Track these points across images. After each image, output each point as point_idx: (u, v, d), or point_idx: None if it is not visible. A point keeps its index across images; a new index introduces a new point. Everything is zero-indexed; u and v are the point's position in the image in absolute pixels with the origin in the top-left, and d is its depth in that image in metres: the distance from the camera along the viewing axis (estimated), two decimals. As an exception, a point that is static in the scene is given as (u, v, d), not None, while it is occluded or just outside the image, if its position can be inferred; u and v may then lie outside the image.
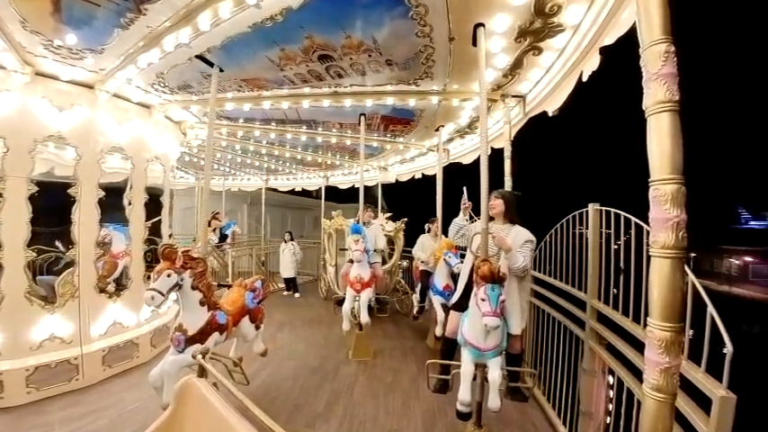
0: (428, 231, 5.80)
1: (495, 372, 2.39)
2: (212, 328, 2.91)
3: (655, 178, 1.41)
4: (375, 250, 5.11)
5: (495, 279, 2.26)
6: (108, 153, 4.12)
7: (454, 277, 4.53)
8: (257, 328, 3.61)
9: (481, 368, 2.50)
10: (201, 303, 2.88)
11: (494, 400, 2.37)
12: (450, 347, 2.92)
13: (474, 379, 2.49)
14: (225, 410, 1.75)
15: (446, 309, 4.68)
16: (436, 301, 4.76)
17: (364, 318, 4.40)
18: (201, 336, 2.82)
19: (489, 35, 2.89)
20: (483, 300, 2.25)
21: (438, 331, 4.69)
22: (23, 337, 3.45)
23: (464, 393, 2.41)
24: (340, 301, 4.88)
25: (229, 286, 3.76)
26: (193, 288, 2.83)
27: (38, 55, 3.22)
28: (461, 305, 2.73)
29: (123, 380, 3.92)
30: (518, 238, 2.67)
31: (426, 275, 5.23)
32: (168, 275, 2.64)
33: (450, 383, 2.81)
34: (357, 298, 4.50)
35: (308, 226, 15.54)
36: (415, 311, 5.64)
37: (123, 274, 4.39)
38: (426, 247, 5.57)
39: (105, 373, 3.93)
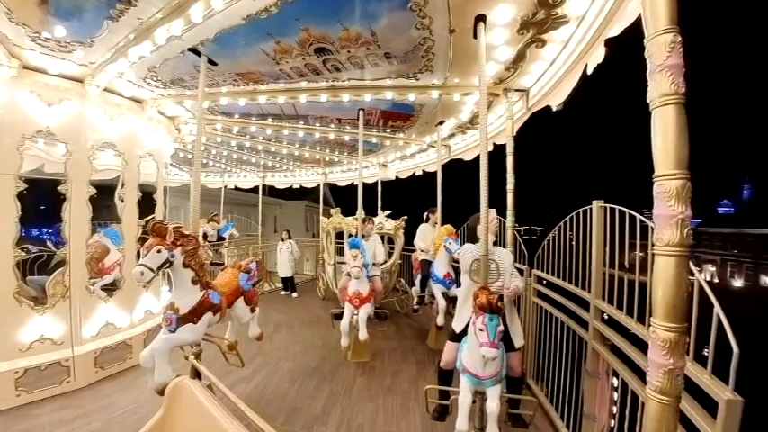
0: (427, 221, 5.83)
1: (494, 401, 2.40)
2: (205, 307, 2.87)
3: (659, 174, 1.40)
4: (374, 264, 5.10)
5: (494, 309, 2.27)
6: (99, 149, 4.11)
7: (455, 265, 4.55)
8: (252, 310, 3.59)
9: (480, 395, 2.51)
10: (194, 282, 2.83)
11: (492, 430, 2.37)
12: (446, 377, 2.93)
13: (474, 402, 2.50)
14: (218, 413, 1.75)
15: (447, 297, 4.71)
16: (437, 289, 4.79)
17: (363, 334, 4.39)
18: (194, 315, 2.78)
19: (491, 27, 2.87)
20: (481, 330, 2.27)
21: (440, 321, 4.75)
22: (12, 339, 3.45)
23: (461, 423, 2.41)
24: (338, 315, 4.87)
25: (222, 264, 3.74)
26: (185, 266, 2.78)
27: (25, 48, 3.20)
28: (460, 337, 2.74)
29: (116, 382, 3.93)
30: (508, 260, 2.91)
31: (426, 264, 5.25)
32: (158, 251, 2.59)
33: (450, 408, 2.82)
34: (355, 313, 4.49)
35: (253, 223, 15.34)
36: (414, 303, 5.67)
37: (116, 280, 4.37)
38: (427, 236, 5.59)
39: (97, 375, 3.94)
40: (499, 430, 2.38)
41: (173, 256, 2.69)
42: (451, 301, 4.69)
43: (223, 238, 9.39)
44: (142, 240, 4.65)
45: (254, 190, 12.98)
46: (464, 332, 2.68)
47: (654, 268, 1.45)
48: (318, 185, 10.96)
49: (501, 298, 2.42)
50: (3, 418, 3.15)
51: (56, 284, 3.76)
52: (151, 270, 2.53)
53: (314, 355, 4.88)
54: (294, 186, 11.96)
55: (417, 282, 5.58)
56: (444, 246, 4.63)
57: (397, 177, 9.20)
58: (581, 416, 2.98)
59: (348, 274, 4.57)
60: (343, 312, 4.60)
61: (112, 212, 4.42)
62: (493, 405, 2.39)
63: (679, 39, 1.37)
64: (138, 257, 4.49)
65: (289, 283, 8.53)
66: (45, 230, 4.11)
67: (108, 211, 4.42)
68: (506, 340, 2.54)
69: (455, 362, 2.71)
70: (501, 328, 2.28)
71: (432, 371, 4.19)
